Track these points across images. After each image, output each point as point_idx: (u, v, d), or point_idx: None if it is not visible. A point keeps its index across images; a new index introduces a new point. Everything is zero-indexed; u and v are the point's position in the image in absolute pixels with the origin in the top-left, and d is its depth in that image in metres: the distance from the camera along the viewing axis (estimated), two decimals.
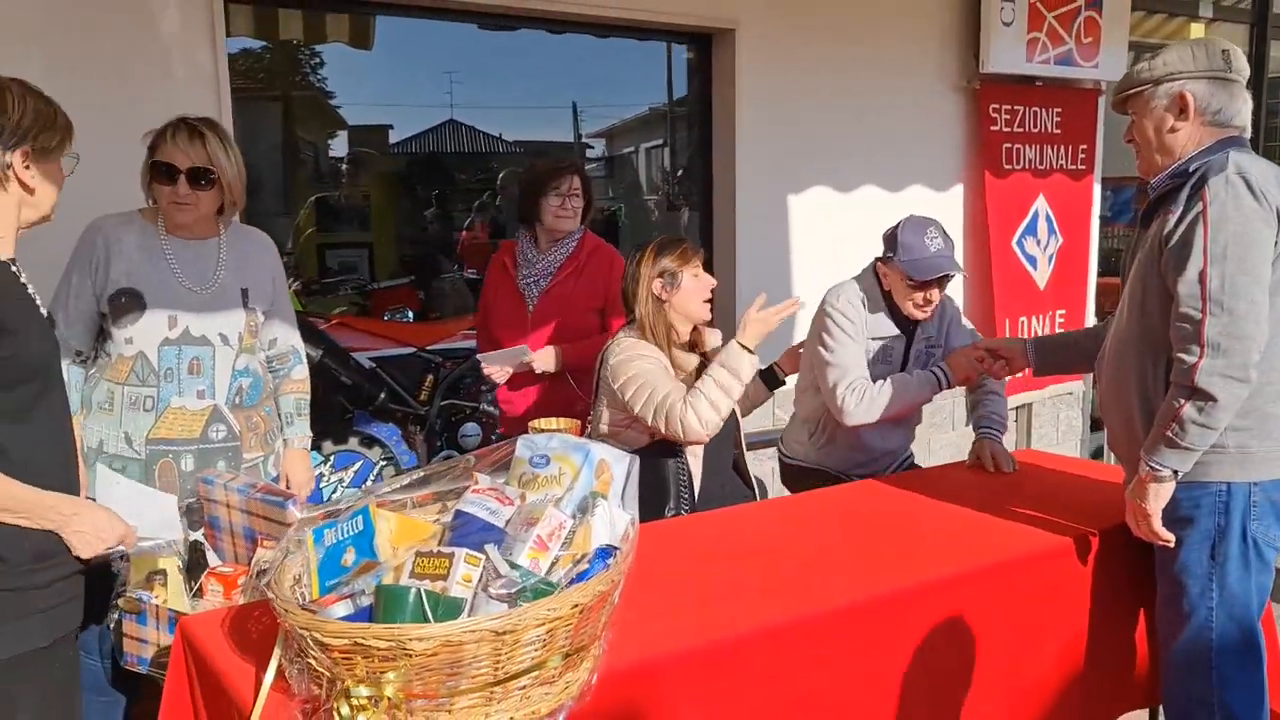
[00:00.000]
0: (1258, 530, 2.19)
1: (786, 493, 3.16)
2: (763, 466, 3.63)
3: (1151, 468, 2.17)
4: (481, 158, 9.15)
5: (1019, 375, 2.96)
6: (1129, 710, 2.56)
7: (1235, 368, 2.04)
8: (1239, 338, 2.03)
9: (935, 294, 2.90)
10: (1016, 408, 5.40)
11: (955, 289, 4.12)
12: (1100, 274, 5.72)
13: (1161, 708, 2.44)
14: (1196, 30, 6.42)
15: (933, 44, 4.94)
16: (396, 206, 8.03)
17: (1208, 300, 2.05)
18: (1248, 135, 2.25)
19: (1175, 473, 2.15)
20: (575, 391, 3.34)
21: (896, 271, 2.89)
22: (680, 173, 5.25)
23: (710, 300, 2.79)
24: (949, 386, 2.90)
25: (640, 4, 4.11)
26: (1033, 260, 5.30)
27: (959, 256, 3.12)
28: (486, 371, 3.30)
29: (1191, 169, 2.18)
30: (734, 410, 2.97)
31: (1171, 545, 2.23)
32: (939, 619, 2.10)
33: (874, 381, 2.89)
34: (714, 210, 4.63)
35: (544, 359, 3.25)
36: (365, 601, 1.47)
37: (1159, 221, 2.21)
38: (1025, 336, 3.36)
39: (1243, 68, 2.22)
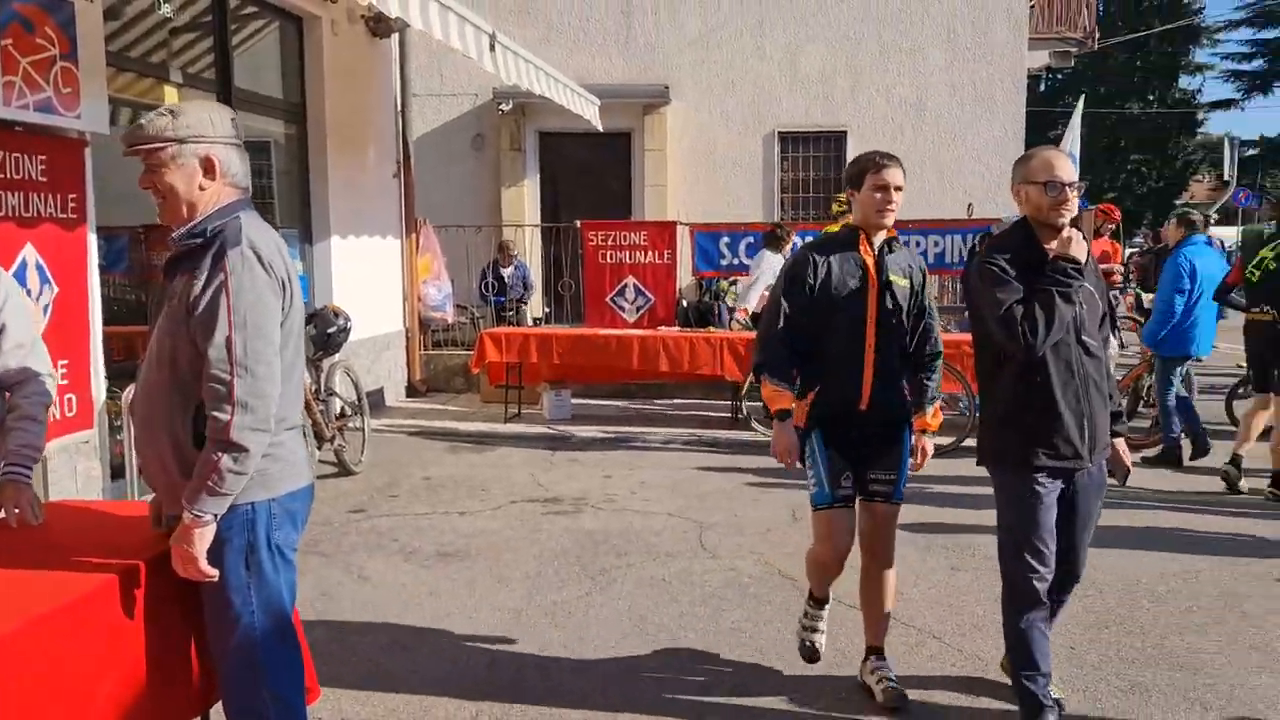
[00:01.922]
0: (280, 538, 2.55)
1: None
2: None
3: (196, 515, 2.37)
4: None
5: None
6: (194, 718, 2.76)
7: (260, 421, 2.37)
8: (261, 396, 2.37)
9: None
10: None
11: None
12: (106, 322, 5.74)
13: (223, 707, 2.68)
14: (170, 93, 6.84)
15: None
16: None
17: (234, 364, 2.34)
18: (250, 193, 2.59)
19: (215, 516, 2.40)
20: None
21: None
22: None
23: None
24: None
25: None
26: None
27: None
28: None
29: (211, 230, 2.44)
30: None
31: (216, 579, 2.44)
32: None
33: None
34: None
35: None
36: None
37: (184, 280, 2.43)
38: None
39: (242, 133, 2.57)
